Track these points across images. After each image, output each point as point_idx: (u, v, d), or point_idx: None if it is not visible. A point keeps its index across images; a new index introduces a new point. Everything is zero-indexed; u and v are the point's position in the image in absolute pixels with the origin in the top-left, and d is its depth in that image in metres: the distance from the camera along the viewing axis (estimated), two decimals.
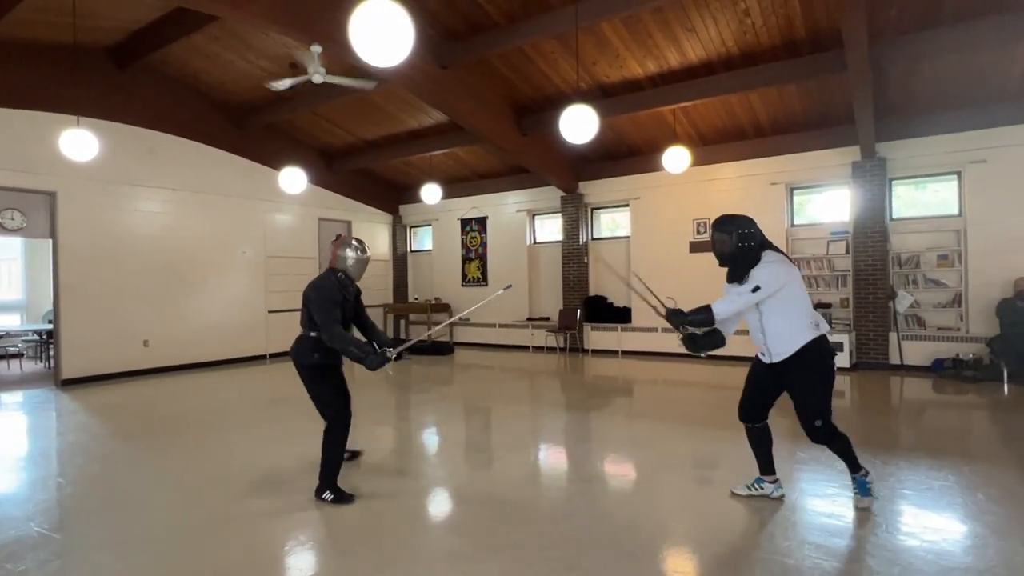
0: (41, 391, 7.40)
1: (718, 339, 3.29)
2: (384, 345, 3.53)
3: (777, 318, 3.12)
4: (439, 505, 3.56)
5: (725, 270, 3.30)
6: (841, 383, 7.09)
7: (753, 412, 3.36)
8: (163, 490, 3.77)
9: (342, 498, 3.39)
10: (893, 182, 7.91)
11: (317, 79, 5.96)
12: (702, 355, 3.43)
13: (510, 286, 5.21)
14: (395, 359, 3.51)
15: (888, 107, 7.44)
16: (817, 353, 3.08)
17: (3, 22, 5.77)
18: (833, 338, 7.54)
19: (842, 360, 7.66)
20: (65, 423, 5.87)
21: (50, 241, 7.73)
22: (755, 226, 3.23)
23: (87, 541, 3.01)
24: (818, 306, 8.27)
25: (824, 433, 3.13)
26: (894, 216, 7.92)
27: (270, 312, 10.15)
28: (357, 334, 3.63)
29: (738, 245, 3.17)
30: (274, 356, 10.13)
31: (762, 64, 6.82)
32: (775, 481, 3.42)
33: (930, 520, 3.09)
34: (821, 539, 2.88)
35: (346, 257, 3.60)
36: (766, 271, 3.10)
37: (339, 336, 3.30)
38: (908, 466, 3.93)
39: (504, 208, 11.31)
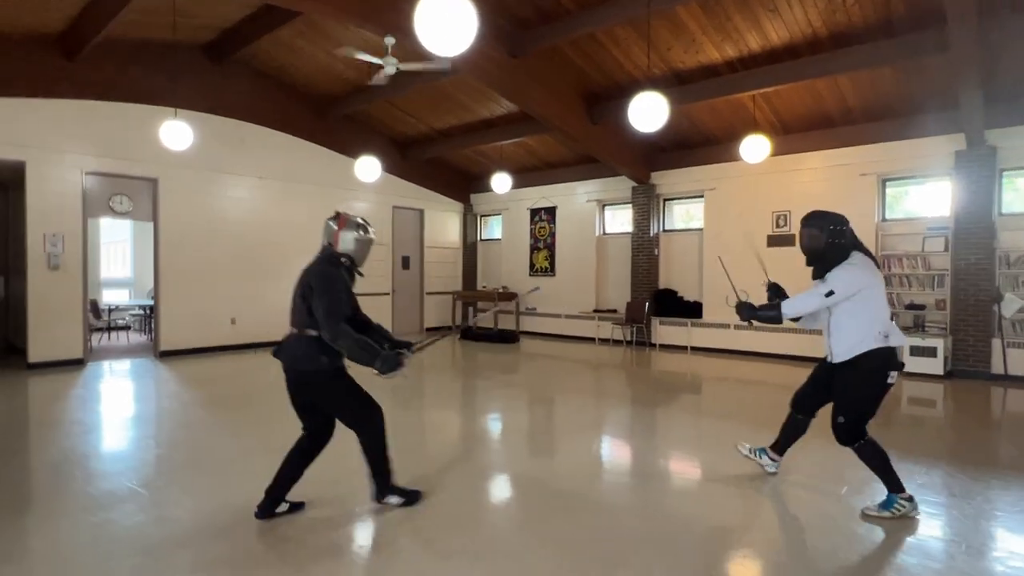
0: (142, 361, 8.13)
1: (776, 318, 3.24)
2: (394, 345, 3.04)
3: (845, 322, 3.07)
4: (499, 492, 3.60)
5: (799, 267, 3.22)
6: (933, 391, 6.57)
7: (804, 403, 3.44)
8: (243, 455, 4.05)
9: (409, 497, 3.11)
10: (1004, 173, 7.16)
11: (390, 70, 6.12)
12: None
13: (538, 288, 5.14)
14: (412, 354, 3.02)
15: (999, 91, 6.73)
16: (874, 361, 3.00)
17: (111, 24, 6.31)
18: (926, 343, 7.03)
19: (935, 367, 7.09)
20: (161, 391, 6.42)
21: (152, 224, 8.42)
22: (847, 224, 3.17)
23: (168, 497, 3.28)
24: (910, 307, 7.68)
25: (844, 432, 3.07)
26: (1004, 211, 7.19)
27: None
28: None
29: (827, 242, 3.10)
30: None
31: (853, 45, 6.34)
32: (776, 461, 3.64)
33: (1018, 544, 2.82)
34: (890, 556, 2.69)
35: (351, 239, 2.97)
36: (844, 275, 3.04)
37: (346, 333, 2.72)
38: (1000, 485, 3.58)
39: (574, 198, 11.21)
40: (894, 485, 3.07)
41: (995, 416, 5.79)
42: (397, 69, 6.25)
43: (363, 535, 2.92)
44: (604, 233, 11.04)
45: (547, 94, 8.00)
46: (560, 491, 3.47)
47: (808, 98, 7.64)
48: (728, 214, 9.22)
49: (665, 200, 10.23)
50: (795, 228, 8.49)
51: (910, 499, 3.07)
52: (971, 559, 2.64)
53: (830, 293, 3.03)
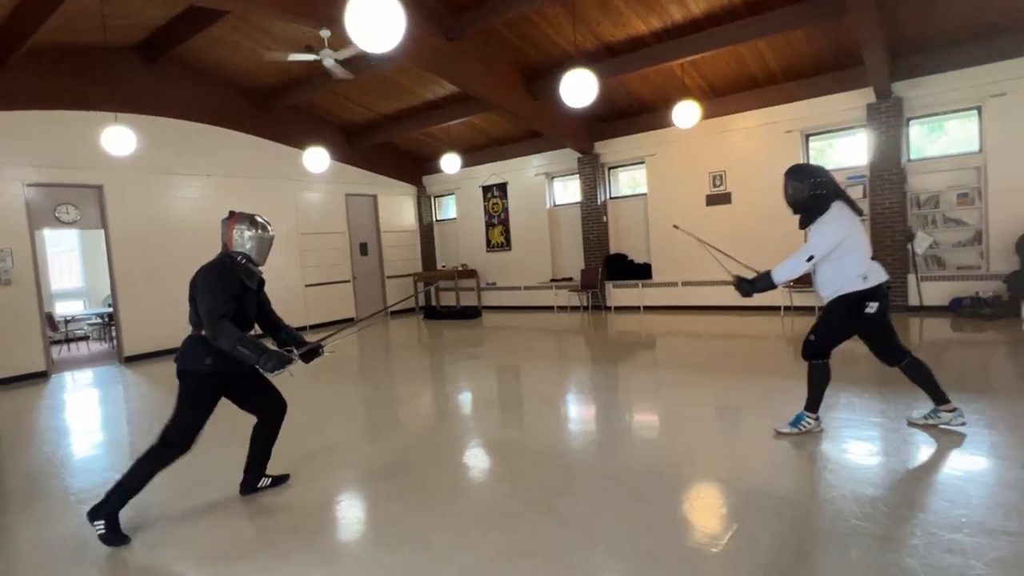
0: (108, 368, 8.18)
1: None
2: (296, 343, 3.09)
3: (828, 272, 3.40)
4: (478, 459, 3.96)
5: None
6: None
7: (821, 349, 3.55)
8: (215, 444, 4.31)
9: (115, 536, 2.78)
10: (911, 122, 7.78)
11: (328, 63, 6.26)
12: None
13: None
14: (301, 358, 3.03)
15: (903, 45, 7.29)
16: (849, 301, 3.34)
17: (40, 30, 6.24)
18: None
19: None
20: (131, 393, 6.56)
21: (102, 231, 8.38)
22: (828, 175, 3.41)
23: (148, 487, 3.54)
24: None
25: (810, 348, 3.50)
26: (912, 157, 7.82)
27: (307, 286, 10.74)
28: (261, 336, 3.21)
29: (810, 194, 3.38)
30: (314, 327, 10.75)
31: (766, 12, 6.76)
32: (816, 417, 3.59)
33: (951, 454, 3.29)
34: (838, 480, 3.18)
35: (244, 237, 3.04)
36: (820, 235, 3.34)
37: (226, 331, 2.73)
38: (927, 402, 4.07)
39: (523, 173, 11.51)
40: (811, 404, 3.55)
41: (915, 343, 6.41)
42: (336, 60, 6.39)
43: (338, 509, 3.25)
44: (555, 204, 11.40)
45: (487, 74, 8.23)
46: (533, 449, 3.86)
47: (732, 62, 8.07)
48: (669, 178, 9.68)
49: (610, 168, 10.63)
50: (731, 186, 9.06)
51: (817, 418, 3.58)
52: (896, 464, 3.13)
53: (810, 258, 3.34)
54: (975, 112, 7.34)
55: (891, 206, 7.71)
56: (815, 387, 3.54)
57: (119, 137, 6.40)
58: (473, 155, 11.78)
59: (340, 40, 6.60)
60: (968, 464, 3.04)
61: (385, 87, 9.43)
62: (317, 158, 8.44)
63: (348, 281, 11.55)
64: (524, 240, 11.57)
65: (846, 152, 8.46)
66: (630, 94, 9.27)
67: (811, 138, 8.59)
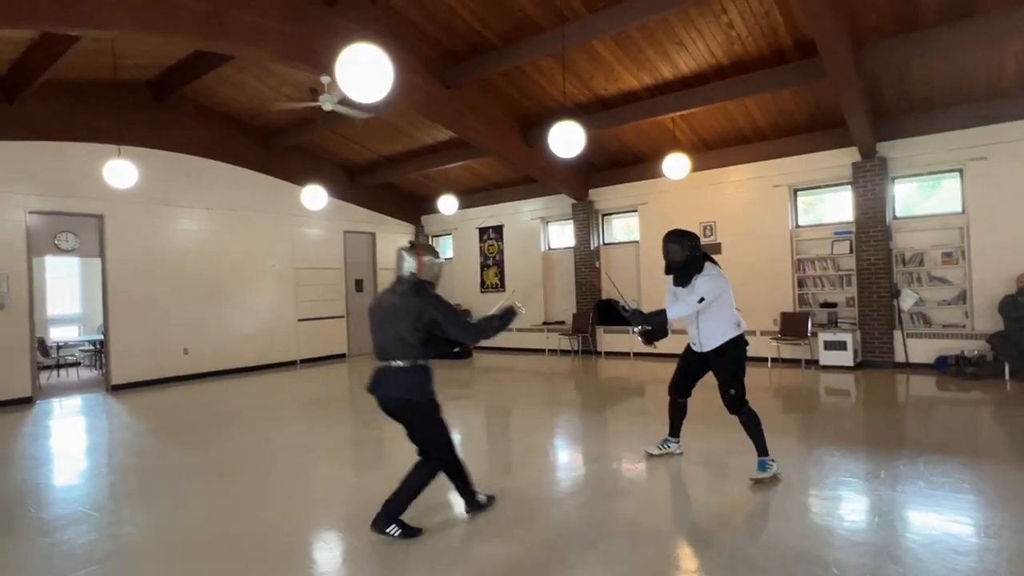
0: (94, 395, 8.17)
1: (663, 333, 3.85)
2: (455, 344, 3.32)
3: (710, 319, 3.84)
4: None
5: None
6: (845, 381, 7.20)
7: (683, 388, 4.20)
8: (192, 479, 4.30)
9: (409, 531, 3.04)
10: (895, 181, 7.95)
11: (327, 107, 6.50)
12: (655, 345, 3.98)
13: (515, 292, 5.53)
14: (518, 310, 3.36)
15: (886, 107, 7.54)
16: (735, 345, 3.82)
17: (55, 66, 6.52)
18: (837, 337, 7.70)
19: (846, 359, 7.76)
20: (113, 423, 6.55)
21: (99, 260, 8.52)
22: (699, 240, 3.95)
23: (120, 517, 3.53)
24: (824, 305, 8.38)
25: (735, 401, 3.80)
26: (897, 215, 7.97)
27: (299, 320, 10.80)
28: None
29: (687, 255, 3.86)
30: (304, 362, 10.78)
31: (752, 72, 7.02)
32: (678, 442, 4.36)
33: (927, 517, 3.19)
34: (800, 527, 3.17)
35: (433, 265, 3.17)
36: (709, 284, 3.76)
37: (481, 329, 3.17)
38: (908, 463, 4.02)
39: (519, 216, 11.71)
40: (763, 449, 3.75)
41: (899, 400, 6.40)
42: (339, 103, 6.62)
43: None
44: (549, 248, 11.56)
45: (483, 121, 8.49)
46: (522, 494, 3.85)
47: (722, 118, 8.32)
48: (660, 226, 9.79)
49: (603, 215, 10.81)
50: (720, 237, 9.20)
51: (773, 460, 3.75)
52: (885, 532, 3.03)
53: (701, 300, 3.70)
54: (957, 174, 7.51)
55: (876, 262, 7.80)
56: (756, 431, 3.77)
57: (121, 170, 6.59)
58: (471, 197, 12.01)
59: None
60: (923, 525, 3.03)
61: (385, 130, 9.70)
62: (315, 196, 8.63)
63: (342, 317, 11.62)
64: (518, 282, 11.66)
65: (833, 207, 8.61)
66: (624, 144, 9.52)
67: (799, 193, 8.76)
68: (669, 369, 4.21)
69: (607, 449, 4.87)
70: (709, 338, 3.83)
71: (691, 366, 4.08)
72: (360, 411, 6.80)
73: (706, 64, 7.10)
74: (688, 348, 4.05)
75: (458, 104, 8.05)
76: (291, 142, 10.12)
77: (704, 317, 3.81)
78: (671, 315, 3.74)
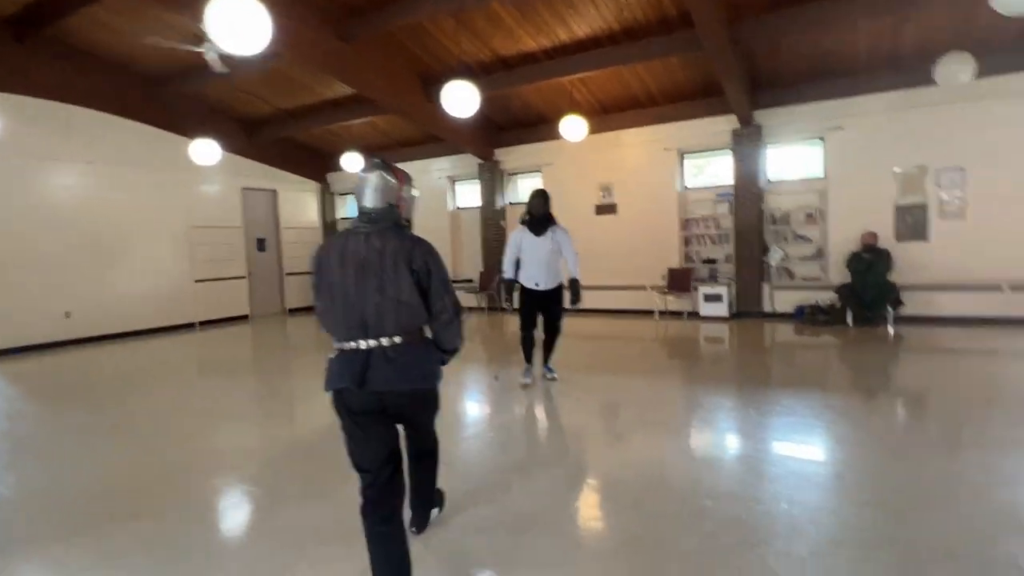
0: None
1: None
2: None
3: (554, 264, 4.99)
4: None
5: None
6: (720, 330, 7.96)
7: (530, 322, 5.13)
8: (67, 439, 4.24)
9: (442, 499, 2.77)
10: (769, 146, 8.67)
11: (211, 56, 6.20)
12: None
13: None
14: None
15: (762, 78, 8.14)
16: (562, 286, 5.11)
17: None
18: (714, 291, 8.43)
19: (722, 310, 8.55)
20: None
21: None
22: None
23: None
24: (706, 261, 9.12)
25: (559, 328, 5.19)
26: (769, 179, 8.72)
27: (197, 281, 10.39)
28: None
29: (548, 211, 5.04)
30: (204, 324, 10.43)
31: (642, 39, 7.36)
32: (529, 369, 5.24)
33: (786, 440, 3.82)
34: (677, 458, 3.60)
35: (413, 201, 2.28)
36: (569, 238, 5.02)
37: (461, 324, 2.23)
38: (766, 397, 4.70)
39: (427, 175, 11.69)
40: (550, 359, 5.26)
41: (767, 343, 7.19)
42: (218, 55, 6.32)
43: None
44: (457, 208, 11.68)
45: (383, 77, 8.37)
46: None
47: (617, 83, 8.67)
48: (563, 187, 10.18)
49: (509, 175, 11.03)
50: (617, 198, 9.68)
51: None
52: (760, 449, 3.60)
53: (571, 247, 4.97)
54: (820, 142, 8.30)
55: (750, 222, 8.56)
56: (554, 344, 5.25)
57: None
58: (378, 155, 11.81)
59: None
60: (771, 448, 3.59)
61: (284, 83, 9.33)
62: (206, 150, 8.24)
63: (243, 277, 11.27)
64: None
65: (718, 171, 9.28)
66: (527, 105, 9.70)
67: (687, 156, 9.36)
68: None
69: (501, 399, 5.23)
70: (553, 280, 4.98)
71: (534, 305, 5.06)
72: (263, 372, 6.79)
73: (599, 29, 7.35)
74: (527, 292, 5.01)
75: (356, 59, 7.88)
76: (182, 91, 9.52)
77: (552, 262, 4.93)
78: (576, 264, 4.97)
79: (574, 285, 4.99)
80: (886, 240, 7.75)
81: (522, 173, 10.97)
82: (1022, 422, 3.73)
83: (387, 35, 7.84)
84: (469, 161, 11.03)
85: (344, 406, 2.04)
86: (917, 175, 7.63)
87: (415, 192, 2.27)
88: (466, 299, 11.11)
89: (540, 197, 5.01)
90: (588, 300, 10.02)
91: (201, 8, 5.97)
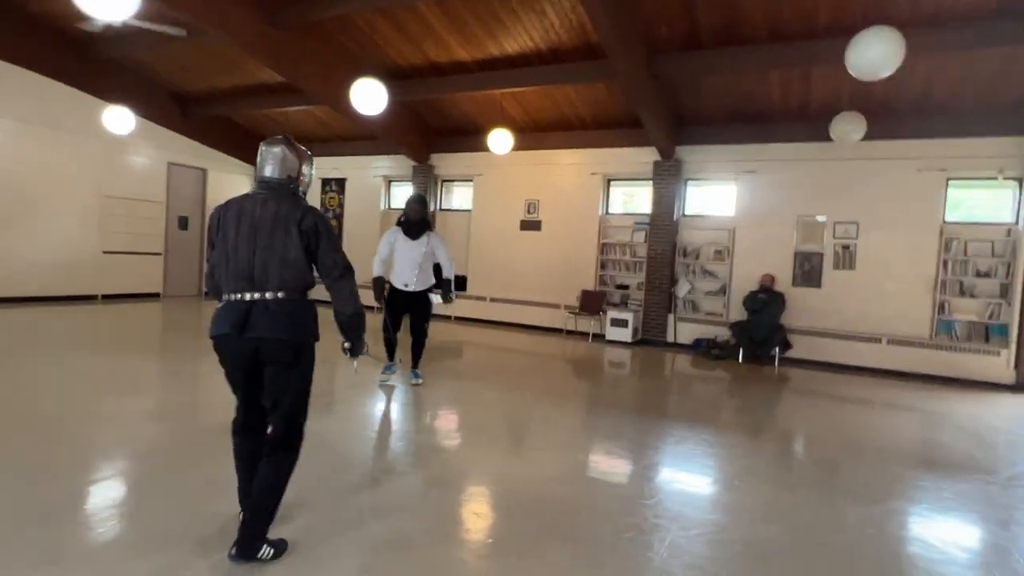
0: None
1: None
2: None
3: (427, 268, 5.17)
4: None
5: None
6: (621, 355, 8.10)
7: (396, 325, 5.21)
8: None
9: (280, 547, 2.30)
10: (688, 182, 8.94)
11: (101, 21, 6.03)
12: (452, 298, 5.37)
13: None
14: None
15: (685, 114, 8.41)
16: (430, 289, 5.26)
17: None
18: (621, 315, 8.58)
19: (626, 335, 8.71)
20: None
21: None
22: None
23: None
24: (619, 287, 9.29)
25: (426, 330, 5.35)
26: (686, 213, 8.98)
27: (105, 252, 10.01)
28: None
29: (425, 216, 5.25)
30: (108, 297, 10.04)
31: (567, 62, 7.52)
32: (394, 364, 5.33)
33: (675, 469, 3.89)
34: (569, 480, 3.60)
35: (311, 178, 2.50)
36: (444, 244, 5.24)
37: (354, 286, 2.38)
38: (655, 424, 4.77)
39: (363, 172, 11.62)
40: (418, 364, 5.37)
41: (666, 372, 7.35)
42: (133, 23, 6.16)
43: None
44: (389, 207, 11.62)
45: (316, 69, 8.31)
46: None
47: (547, 101, 8.82)
48: (492, 197, 10.29)
49: (443, 181, 11.05)
50: (542, 215, 9.80)
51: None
52: (649, 482, 3.63)
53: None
54: (733, 183, 8.60)
55: (663, 252, 8.78)
56: (422, 349, 5.40)
57: None
58: (316, 146, 11.67)
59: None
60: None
61: (219, 60, 9.12)
62: (119, 118, 7.98)
63: (159, 254, 10.92)
64: (355, 239, 11.61)
65: (641, 200, 9.50)
66: (463, 114, 9.76)
67: (612, 183, 9.56)
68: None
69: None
70: (424, 283, 5.14)
71: (402, 306, 5.18)
72: (165, 350, 6.56)
73: (527, 47, 7.48)
74: (396, 292, 5.11)
75: (288, 47, 7.80)
76: (110, 55, 9.20)
77: (424, 266, 5.10)
78: (452, 274, 5.26)
79: (447, 284, 5.25)
80: (783, 283, 8.06)
81: (456, 180, 11.00)
82: (888, 471, 3.85)
83: (317, 25, 7.77)
84: (405, 163, 11.01)
85: (221, 353, 2.30)
86: (817, 224, 7.99)
87: (313, 172, 2.50)
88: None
89: (418, 202, 5.20)
90: (508, 314, 10.26)
91: None
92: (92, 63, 9.32)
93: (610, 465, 3.77)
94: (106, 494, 2.87)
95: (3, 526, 2.40)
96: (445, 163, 10.78)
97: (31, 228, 8.99)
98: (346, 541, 2.45)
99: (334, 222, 11.92)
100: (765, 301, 7.84)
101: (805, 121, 7.76)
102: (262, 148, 2.38)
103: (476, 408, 4.94)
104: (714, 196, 8.99)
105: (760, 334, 7.73)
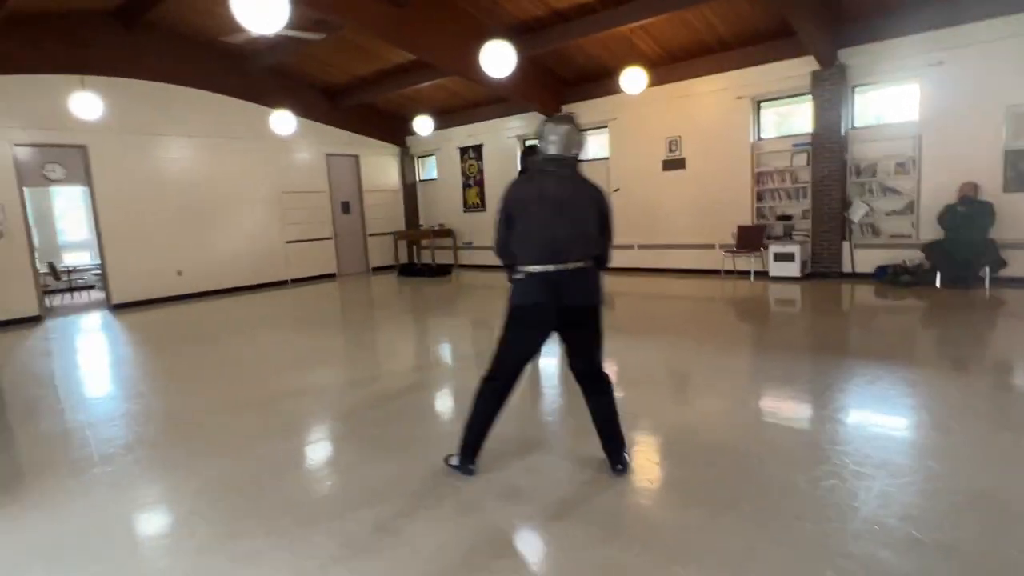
0: (97, 313, 8.98)
1: None
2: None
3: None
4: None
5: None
6: (789, 291, 7.48)
7: None
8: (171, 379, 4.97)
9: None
10: (856, 89, 7.81)
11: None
12: None
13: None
14: None
15: (847, 10, 7.30)
16: None
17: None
18: (786, 249, 7.96)
19: (793, 270, 8.00)
20: (111, 336, 7.30)
21: (87, 188, 9.05)
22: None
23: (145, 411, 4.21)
24: (781, 218, 8.52)
25: None
26: (855, 125, 7.88)
27: (287, 243, 11.35)
28: None
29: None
30: (295, 281, 11.43)
31: None
32: None
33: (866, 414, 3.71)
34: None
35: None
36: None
37: None
38: (846, 362, 4.49)
39: (498, 135, 11.77)
40: None
41: (844, 307, 6.68)
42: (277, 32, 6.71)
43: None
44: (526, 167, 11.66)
45: (440, 40, 8.46)
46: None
47: (683, 28, 8.15)
48: (630, 142, 9.88)
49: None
50: (685, 152, 9.24)
51: None
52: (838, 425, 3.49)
53: None
54: (916, 81, 7.34)
55: (830, 174, 7.84)
56: None
57: (87, 102, 6.94)
58: (451, 116, 12.06)
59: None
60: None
61: (353, 51, 9.70)
62: (283, 121, 8.87)
63: (330, 238, 12.13)
64: (495, 201, 11.89)
65: (797, 119, 8.52)
66: (590, 58, 9.40)
67: (763, 104, 8.66)
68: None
69: None
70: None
71: None
72: (349, 323, 7.40)
73: None
74: None
75: (412, 23, 8.03)
76: (266, 64, 10.22)
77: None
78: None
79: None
80: (990, 191, 6.80)
81: (590, 129, 10.70)
82: None
83: None
84: (538, 119, 10.92)
85: (525, 319, 2.54)
86: None
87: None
88: None
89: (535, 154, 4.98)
90: (659, 259, 9.89)
91: None
92: (251, 75, 10.40)
93: (792, 410, 3.52)
94: (321, 454, 3.32)
95: (252, 483, 2.88)
96: (578, 112, 10.51)
97: (224, 229, 10.45)
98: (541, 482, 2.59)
99: (475, 188, 12.32)
100: (967, 215, 6.69)
101: None
102: (548, 126, 2.56)
103: (638, 358, 4.88)
104: (891, 101, 7.76)
105: (963, 253, 6.64)
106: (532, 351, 2.62)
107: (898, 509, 2.26)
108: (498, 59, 6.00)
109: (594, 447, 2.76)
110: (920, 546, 2.01)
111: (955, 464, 2.62)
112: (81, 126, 8.48)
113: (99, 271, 11.12)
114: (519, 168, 4.96)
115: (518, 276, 2.52)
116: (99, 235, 9.10)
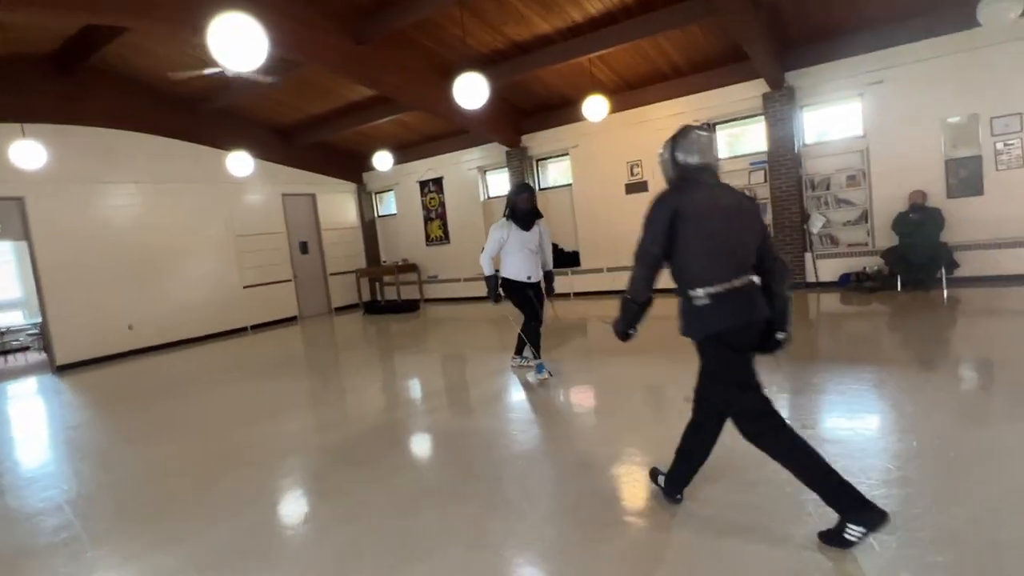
0: (38, 377, 8.27)
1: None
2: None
3: (540, 256, 5.23)
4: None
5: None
6: None
7: (536, 313, 5.14)
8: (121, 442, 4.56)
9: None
10: (804, 109, 8.24)
11: (230, 72, 6.43)
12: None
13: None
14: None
15: (792, 37, 7.74)
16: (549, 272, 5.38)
17: None
18: None
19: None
20: (51, 400, 6.71)
21: (25, 243, 8.43)
22: None
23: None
24: None
25: (541, 317, 5.19)
26: (806, 142, 8.30)
27: (245, 287, 10.88)
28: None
29: (535, 204, 5.23)
30: (256, 327, 10.93)
31: (657, 10, 7.11)
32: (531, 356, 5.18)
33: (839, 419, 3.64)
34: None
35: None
36: (547, 228, 5.34)
37: None
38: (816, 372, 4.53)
39: (457, 167, 11.77)
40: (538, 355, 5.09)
41: (811, 316, 6.90)
42: (236, 74, 6.54)
43: None
44: (488, 197, 11.70)
45: (401, 75, 8.45)
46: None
47: (638, 57, 8.43)
48: (591, 168, 10.07)
49: (538, 160, 10.95)
50: (647, 175, 9.46)
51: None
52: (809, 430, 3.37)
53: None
54: (859, 98, 7.82)
55: (787, 189, 8.19)
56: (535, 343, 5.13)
57: (28, 150, 6.50)
58: (409, 151, 12.00)
59: None
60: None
61: (310, 89, 9.55)
62: (240, 161, 8.58)
63: (289, 280, 11.71)
64: (461, 233, 11.85)
65: (750, 139, 8.90)
66: (549, 88, 9.58)
67: (718, 126, 9.01)
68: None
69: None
70: (540, 270, 5.21)
71: (531, 296, 5.13)
72: (314, 368, 7.06)
73: (612, 4, 7.15)
74: (523, 287, 5.08)
75: (374, 60, 7.97)
76: (215, 106, 9.90)
77: (539, 255, 5.17)
78: (550, 264, 5.33)
79: (550, 276, 5.35)
80: (936, 197, 7.26)
81: (551, 157, 10.86)
82: None
83: (399, 33, 7.87)
84: (497, 150, 11.02)
85: (736, 341, 2.30)
86: (969, 125, 7.09)
87: None
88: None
89: (527, 191, 5.18)
90: (620, 282, 9.93)
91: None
92: (200, 117, 10.05)
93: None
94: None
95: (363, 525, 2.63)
96: (536, 142, 10.67)
97: (177, 277, 9.92)
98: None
99: (438, 221, 12.23)
100: (919, 221, 7.10)
101: (940, 11, 6.88)
102: (694, 134, 2.41)
103: (609, 383, 4.85)
104: (836, 118, 8.22)
105: (919, 257, 7.02)
106: (751, 373, 2.35)
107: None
108: (471, 91, 5.99)
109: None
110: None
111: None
112: (17, 177, 7.93)
113: (37, 331, 10.34)
114: (506, 211, 5.19)
115: (699, 301, 2.29)
116: (40, 292, 8.45)
